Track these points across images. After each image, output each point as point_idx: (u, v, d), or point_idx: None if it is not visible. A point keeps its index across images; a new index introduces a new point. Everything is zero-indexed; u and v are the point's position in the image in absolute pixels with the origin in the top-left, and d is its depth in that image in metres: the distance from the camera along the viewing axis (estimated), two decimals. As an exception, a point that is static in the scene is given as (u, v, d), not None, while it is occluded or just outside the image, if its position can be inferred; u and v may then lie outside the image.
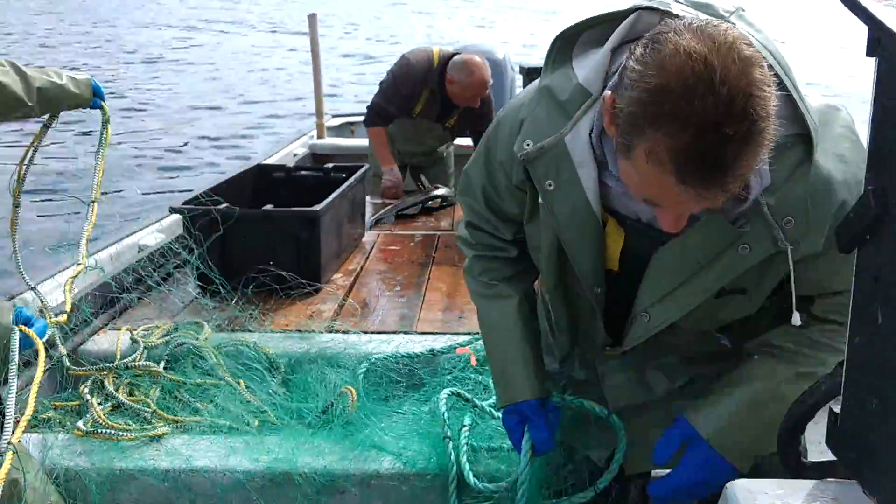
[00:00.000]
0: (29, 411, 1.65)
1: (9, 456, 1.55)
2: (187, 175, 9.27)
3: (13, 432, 1.55)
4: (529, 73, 5.59)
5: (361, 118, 5.11)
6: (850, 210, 0.92)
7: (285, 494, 2.02)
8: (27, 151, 2.41)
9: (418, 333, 2.82)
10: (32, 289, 2.54)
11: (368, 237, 4.12)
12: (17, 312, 1.75)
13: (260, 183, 3.98)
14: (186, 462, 2.07)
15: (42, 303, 2.47)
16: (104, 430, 2.16)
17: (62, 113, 2.35)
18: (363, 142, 5.82)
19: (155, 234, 3.69)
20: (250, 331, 2.83)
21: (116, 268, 3.28)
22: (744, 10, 1.25)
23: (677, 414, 1.47)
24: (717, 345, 1.57)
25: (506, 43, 8.49)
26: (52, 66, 2.41)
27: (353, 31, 25.72)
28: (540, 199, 1.41)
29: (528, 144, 1.37)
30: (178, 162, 10.10)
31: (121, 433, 2.16)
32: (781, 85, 1.15)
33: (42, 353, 1.75)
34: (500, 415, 2.22)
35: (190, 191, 3.57)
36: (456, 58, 4.57)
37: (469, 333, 2.76)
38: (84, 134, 9.24)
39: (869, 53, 0.89)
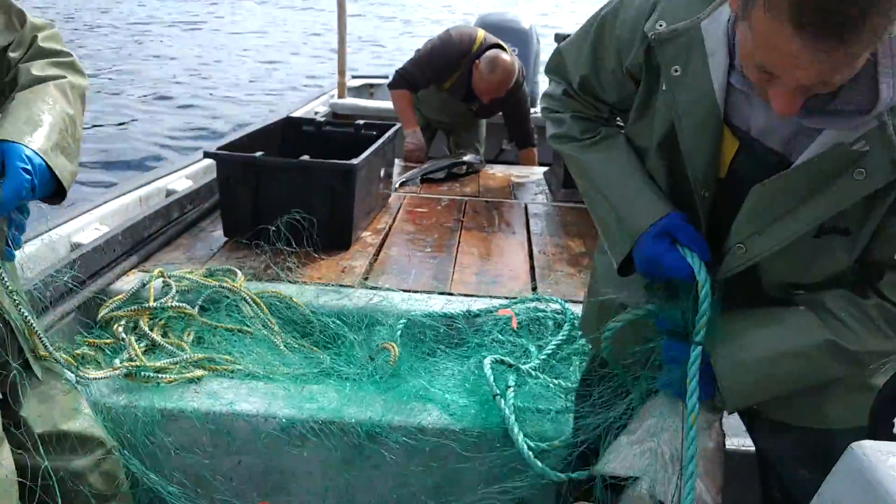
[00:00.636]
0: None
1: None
2: (206, 123, 9.21)
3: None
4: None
5: (380, 80, 5.06)
6: None
7: (328, 444, 2.00)
8: None
9: (455, 295, 2.78)
10: None
11: (395, 199, 4.07)
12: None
13: (289, 135, 3.91)
14: (228, 406, 2.04)
15: None
16: (145, 373, 2.11)
17: None
18: (384, 104, 5.76)
19: (183, 179, 3.65)
20: (285, 281, 2.79)
21: (145, 210, 3.23)
22: None
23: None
24: None
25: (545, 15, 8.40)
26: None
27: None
28: (663, 86, 1.35)
29: (660, 25, 1.33)
30: (197, 112, 10.03)
31: (159, 376, 2.12)
32: None
33: None
34: (543, 376, 2.22)
35: (214, 135, 3.52)
36: (491, 51, 4.54)
37: (507, 297, 2.73)
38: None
39: None
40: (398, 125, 4.01)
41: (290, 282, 2.80)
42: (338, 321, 2.55)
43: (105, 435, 1.80)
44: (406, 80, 4.72)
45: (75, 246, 2.80)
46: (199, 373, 2.19)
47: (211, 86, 12.12)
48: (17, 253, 1.56)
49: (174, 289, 2.62)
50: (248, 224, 3.12)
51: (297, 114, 5.42)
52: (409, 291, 2.77)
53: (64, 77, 1.58)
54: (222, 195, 3.20)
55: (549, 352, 2.38)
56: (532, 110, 5.01)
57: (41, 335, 1.62)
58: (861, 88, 1.15)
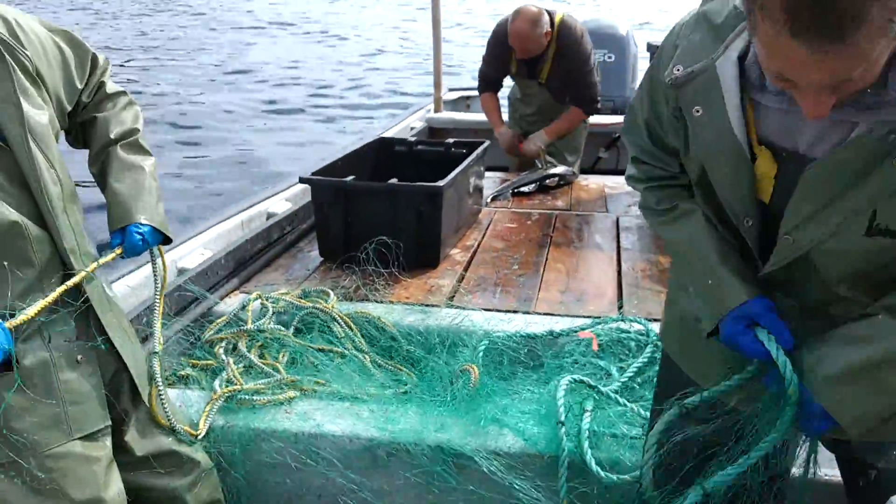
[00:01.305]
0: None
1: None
2: (307, 144, 9.54)
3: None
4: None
5: (475, 92, 5.14)
6: None
7: (409, 464, 2.08)
8: None
9: (538, 314, 2.82)
10: None
11: (485, 213, 4.14)
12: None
13: (382, 156, 4.05)
14: (316, 427, 2.15)
15: None
16: (241, 396, 2.25)
17: None
18: (480, 116, 5.82)
19: (282, 202, 3.83)
20: (374, 301, 2.90)
21: (246, 234, 3.42)
22: None
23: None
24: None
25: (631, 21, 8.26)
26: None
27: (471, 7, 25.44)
28: (689, 128, 1.38)
29: (678, 70, 1.36)
30: (297, 131, 10.40)
31: (255, 397, 2.25)
32: None
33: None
34: (623, 400, 2.22)
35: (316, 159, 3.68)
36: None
37: (590, 317, 2.74)
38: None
39: None
40: (487, 143, 4.07)
41: (378, 302, 2.91)
42: (423, 341, 2.64)
43: (203, 455, 1.95)
44: (483, 79, 4.86)
45: (181, 271, 3.00)
46: (290, 394, 2.32)
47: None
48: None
49: (271, 310, 2.78)
50: (340, 245, 3.27)
51: (393, 130, 5.58)
52: (491, 311, 2.82)
53: (137, 130, 1.85)
54: (317, 219, 3.36)
55: (630, 374, 2.38)
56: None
57: (163, 399, 1.86)
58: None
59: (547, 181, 4.62)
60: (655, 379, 2.05)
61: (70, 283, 1.54)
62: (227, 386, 2.34)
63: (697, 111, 1.35)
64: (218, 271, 3.07)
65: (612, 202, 4.42)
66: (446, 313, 2.80)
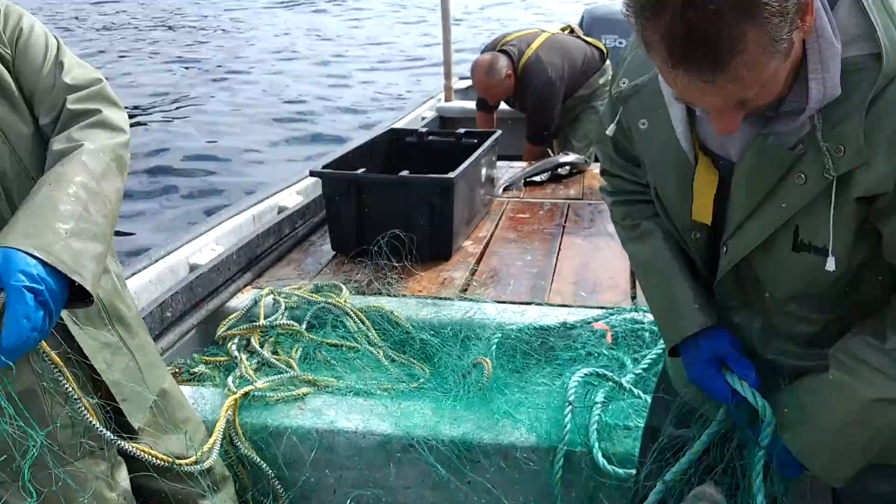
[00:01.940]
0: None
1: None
2: (319, 134, 9.51)
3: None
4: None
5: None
6: None
7: (422, 459, 2.08)
8: None
9: (551, 305, 2.80)
10: None
11: (497, 204, 4.11)
12: None
13: (393, 147, 4.03)
14: (330, 423, 2.15)
15: None
16: (255, 394, 2.25)
17: None
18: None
19: (294, 195, 3.82)
20: (388, 294, 2.90)
21: (258, 228, 3.42)
22: None
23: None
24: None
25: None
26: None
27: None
28: (636, 140, 1.38)
29: (623, 83, 1.36)
30: (309, 121, 10.37)
31: (267, 394, 2.25)
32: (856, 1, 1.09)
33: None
34: (639, 391, 2.21)
35: (323, 153, 3.67)
36: None
37: (603, 308, 2.73)
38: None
39: None
40: (499, 132, 4.05)
41: (392, 296, 2.91)
42: (436, 334, 2.63)
43: (216, 461, 1.94)
44: (478, 100, 5.07)
45: (193, 267, 3.00)
46: (304, 390, 2.31)
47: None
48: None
49: (283, 306, 2.77)
50: (352, 238, 3.26)
51: (404, 120, 5.56)
52: (504, 303, 2.81)
53: (82, 144, 1.42)
54: (328, 212, 3.35)
55: (646, 366, 2.36)
56: None
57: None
58: (801, 89, 1.11)
59: (559, 170, 4.59)
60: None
61: None
62: (240, 382, 2.34)
63: (643, 124, 1.35)
64: (230, 267, 3.07)
65: (625, 190, 4.38)
66: (459, 306, 2.79)
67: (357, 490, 2.17)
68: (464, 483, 2.08)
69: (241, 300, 2.94)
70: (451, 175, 3.16)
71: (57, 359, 1.37)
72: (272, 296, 2.85)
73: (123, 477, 1.63)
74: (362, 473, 2.14)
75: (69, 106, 1.46)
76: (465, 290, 2.99)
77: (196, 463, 1.78)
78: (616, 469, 1.95)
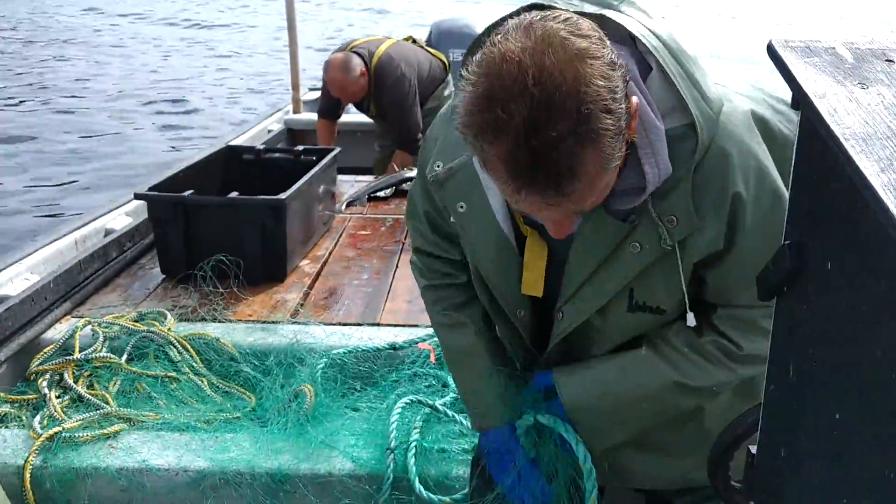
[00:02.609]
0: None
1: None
2: (161, 153, 9.03)
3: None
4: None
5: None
6: (769, 261, 0.92)
7: (238, 494, 2.04)
8: None
9: (381, 326, 2.82)
10: None
11: (339, 220, 4.09)
12: None
13: (230, 164, 3.93)
14: (141, 462, 2.08)
15: None
16: (61, 434, 2.14)
17: None
18: (344, 117, 5.74)
19: (121, 218, 3.67)
20: (216, 320, 2.83)
21: (80, 253, 3.26)
22: None
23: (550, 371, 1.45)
24: None
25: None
26: None
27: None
28: (452, 221, 1.39)
29: (438, 166, 1.35)
30: (154, 137, 9.88)
31: (76, 434, 2.15)
32: (664, 74, 1.14)
33: None
34: (453, 413, 2.26)
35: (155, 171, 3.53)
36: None
37: (430, 326, 2.76)
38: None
39: (793, 107, 0.89)
40: (338, 149, 4.04)
41: (219, 321, 2.84)
42: (262, 361, 2.59)
43: (4, 499, 1.84)
44: (321, 108, 5.09)
45: (2, 299, 2.82)
46: (117, 427, 2.22)
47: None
48: None
49: (102, 336, 2.66)
50: (181, 262, 3.16)
51: (247, 135, 5.42)
52: (334, 325, 2.80)
53: None
54: (156, 234, 3.24)
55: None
56: None
57: None
58: (633, 170, 1.16)
59: (404, 185, 4.62)
60: None
61: None
62: (48, 422, 2.22)
63: (461, 207, 1.35)
64: (46, 296, 2.90)
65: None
66: (288, 330, 2.75)
67: (173, 529, 2.10)
68: (281, 516, 2.06)
69: (58, 332, 2.78)
70: (283, 196, 3.13)
71: None
72: (90, 326, 2.72)
73: None
74: (176, 512, 2.08)
75: None
76: (296, 313, 2.96)
77: None
78: (431, 495, 1.98)
